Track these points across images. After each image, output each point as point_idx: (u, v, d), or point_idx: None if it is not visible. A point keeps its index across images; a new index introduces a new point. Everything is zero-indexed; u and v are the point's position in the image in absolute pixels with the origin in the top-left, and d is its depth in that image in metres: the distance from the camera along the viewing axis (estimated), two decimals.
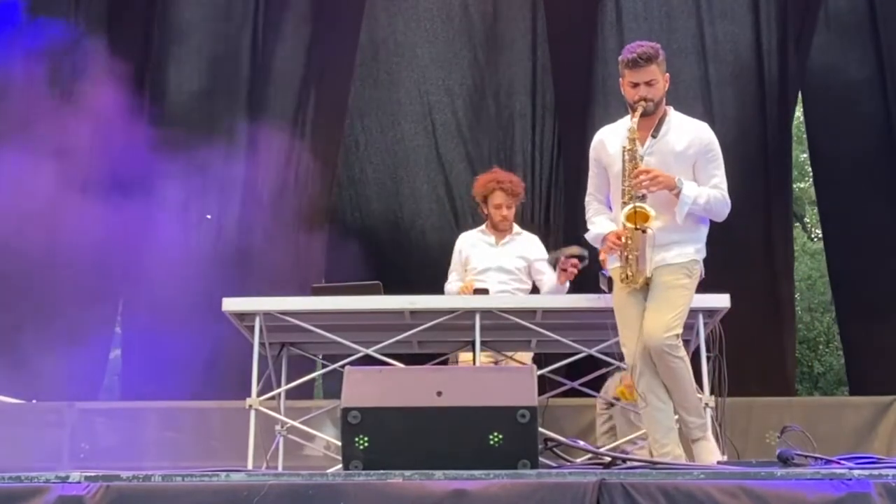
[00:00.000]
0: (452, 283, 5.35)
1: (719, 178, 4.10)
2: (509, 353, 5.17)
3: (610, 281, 4.16)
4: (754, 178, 7.49)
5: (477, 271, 5.26)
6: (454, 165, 8.02)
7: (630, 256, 3.99)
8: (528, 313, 4.66)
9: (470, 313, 4.60)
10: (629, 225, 3.96)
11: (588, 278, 7.68)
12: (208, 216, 7.79)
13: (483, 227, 5.42)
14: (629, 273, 4.02)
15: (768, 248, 7.62)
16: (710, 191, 4.05)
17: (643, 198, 3.97)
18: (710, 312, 4.41)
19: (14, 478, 2.58)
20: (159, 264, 7.58)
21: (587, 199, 4.31)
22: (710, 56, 7.91)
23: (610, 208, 4.23)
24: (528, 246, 5.36)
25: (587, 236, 4.28)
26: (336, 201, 8.13)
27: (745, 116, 7.79)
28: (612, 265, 4.16)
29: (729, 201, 4.11)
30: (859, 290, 7.68)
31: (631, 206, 3.96)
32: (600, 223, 4.20)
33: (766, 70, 7.84)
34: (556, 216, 8.00)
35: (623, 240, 4.00)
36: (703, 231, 4.16)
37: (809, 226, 16.18)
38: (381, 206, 8.17)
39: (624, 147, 4.05)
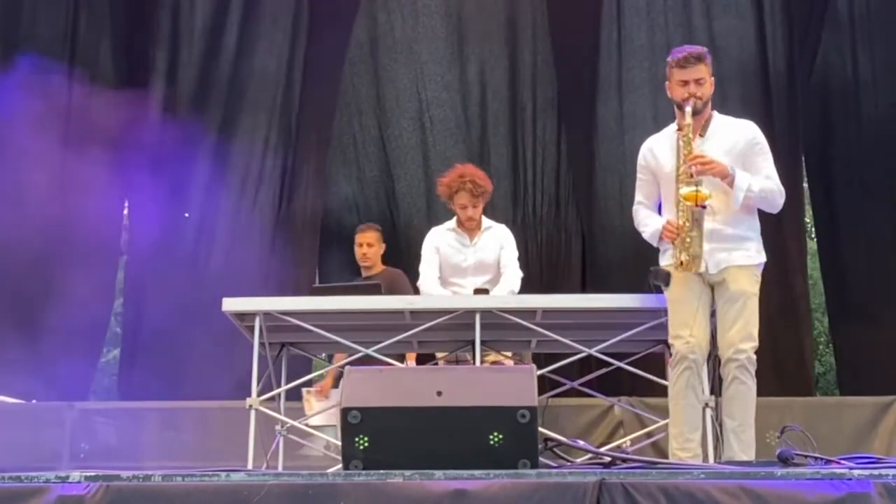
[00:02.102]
0: (430, 280, 5.23)
1: (770, 170, 4.14)
2: (507, 354, 5.18)
3: (667, 276, 4.11)
4: None
5: (452, 272, 5.22)
6: (452, 162, 7.97)
7: (688, 238, 3.97)
8: (528, 313, 4.65)
9: (470, 313, 4.60)
10: (688, 203, 3.93)
11: (572, 278, 7.73)
12: (186, 215, 7.79)
13: (453, 224, 5.34)
14: (685, 258, 3.97)
15: (780, 245, 7.60)
16: (764, 180, 4.08)
17: (698, 183, 3.96)
18: (712, 312, 4.39)
19: (14, 478, 2.58)
20: (157, 264, 7.59)
21: (635, 207, 4.33)
22: (712, 51, 7.88)
23: (660, 214, 4.25)
24: (499, 239, 5.29)
25: (645, 236, 4.26)
26: (331, 200, 8.11)
27: (751, 112, 7.71)
28: (667, 262, 4.15)
29: (783, 191, 4.14)
30: (851, 291, 7.67)
31: (692, 187, 3.92)
32: (653, 221, 4.21)
33: (772, 65, 7.82)
34: (566, 210, 7.97)
35: (681, 222, 3.98)
36: (759, 229, 4.18)
37: (810, 225, 16.18)
38: (377, 205, 8.15)
39: (678, 133, 4.07)
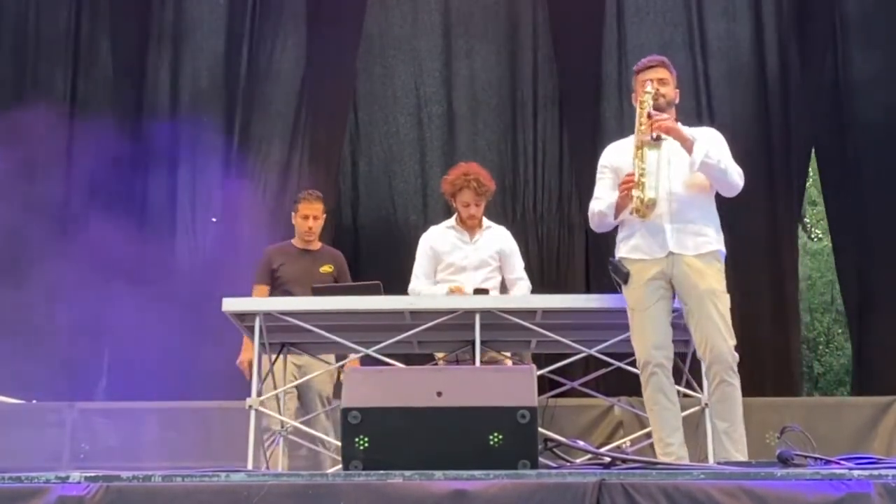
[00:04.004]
0: (422, 284, 5.20)
1: (728, 157, 4.16)
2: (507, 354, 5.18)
3: (626, 275, 4.12)
4: (757, 176, 7.48)
5: (452, 270, 5.20)
6: (450, 158, 7.96)
7: (643, 180, 3.99)
8: (528, 313, 4.65)
9: (470, 313, 4.60)
10: (645, 138, 4.00)
11: (576, 274, 7.71)
12: (213, 219, 7.76)
13: (453, 222, 5.33)
14: (639, 204, 3.98)
15: (773, 248, 7.60)
16: (725, 159, 4.12)
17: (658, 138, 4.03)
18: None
19: (14, 478, 2.58)
20: (158, 264, 7.59)
21: (591, 203, 4.34)
22: (710, 52, 7.91)
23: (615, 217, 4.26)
24: (500, 240, 5.31)
25: (603, 208, 4.25)
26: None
27: (747, 113, 7.77)
28: (624, 253, 4.14)
29: (742, 174, 4.16)
30: (866, 290, 7.67)
31: (649, 135, 4.00)
32: (609, 196, 4.23)
33: (768, 67, 7.83)
34: (567, 205, 7.96)
35: (634, 167, 4.02)
36: (717, 218, 4.19)
37: (809, 226, 16.20)
38: (374, 201, 8.13)
39: (637, 100, 4.15)
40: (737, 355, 3.97)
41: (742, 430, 3.98)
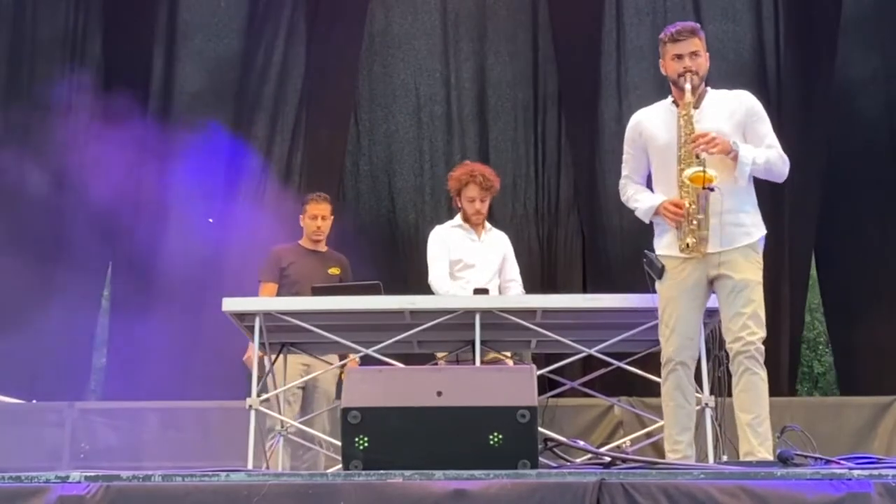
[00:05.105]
0: (442, 276, 5.15)
1: (771, 138, 4.05)
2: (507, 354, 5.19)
3: (661, 270, 4.03)
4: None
5: (462, 266, 5.20)
6: (450, 158, 7.97)
7: (694, 221, 3.89)
8: (528, 313, 4.65)
9: (470, 313, 4.60)
10: (695, 185, 3.83)
11: (573, 275, 7.71)
12: (210, 220, 7.76)
13: (458, 221, 5.33)
14: (692, 241, 3.90)
15: (772, 248, 7.59)
16: (766, 150, 4.00)
17: (703, 163, 3.85)
18: (710, 312, 4.38)
19: (14, 478, 2.59)
20: (158, 263, 7.59)
21: (622, 182, 4.24)
22: (710, 53, 7.85)
23: (649, 189, 4.17)
24: (503, 243, 5.35)
25: (638, 213, 4.15)
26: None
27: None
28: (663, 249, 4.07)
29: (787, 158, 4.05)
30: (847, 294, 7.68)
31: (698, 168, 3.81)
32: (648, 197, 4.11)
33: (768, 68, 7.83)
34: (567, 207, 7.96)
35: (687, 204, 3.89)
36: (756, 201, 4.08)
37: None
38: (374, 200, 8.13)
39: (679, 113, 3.98)
40: (763, 348, 3.89)
41: (768, 426, 3.87)
